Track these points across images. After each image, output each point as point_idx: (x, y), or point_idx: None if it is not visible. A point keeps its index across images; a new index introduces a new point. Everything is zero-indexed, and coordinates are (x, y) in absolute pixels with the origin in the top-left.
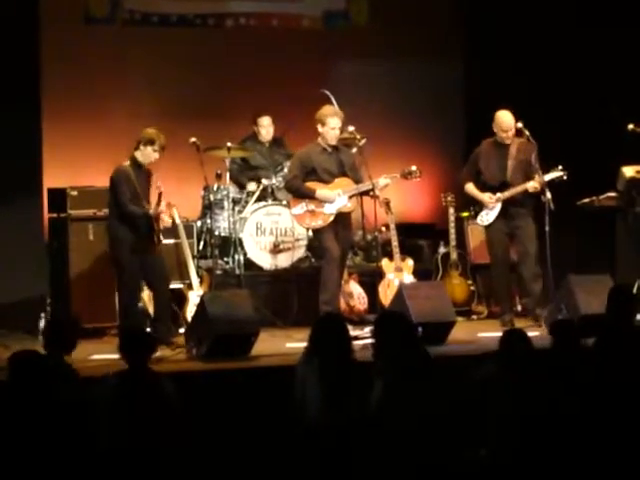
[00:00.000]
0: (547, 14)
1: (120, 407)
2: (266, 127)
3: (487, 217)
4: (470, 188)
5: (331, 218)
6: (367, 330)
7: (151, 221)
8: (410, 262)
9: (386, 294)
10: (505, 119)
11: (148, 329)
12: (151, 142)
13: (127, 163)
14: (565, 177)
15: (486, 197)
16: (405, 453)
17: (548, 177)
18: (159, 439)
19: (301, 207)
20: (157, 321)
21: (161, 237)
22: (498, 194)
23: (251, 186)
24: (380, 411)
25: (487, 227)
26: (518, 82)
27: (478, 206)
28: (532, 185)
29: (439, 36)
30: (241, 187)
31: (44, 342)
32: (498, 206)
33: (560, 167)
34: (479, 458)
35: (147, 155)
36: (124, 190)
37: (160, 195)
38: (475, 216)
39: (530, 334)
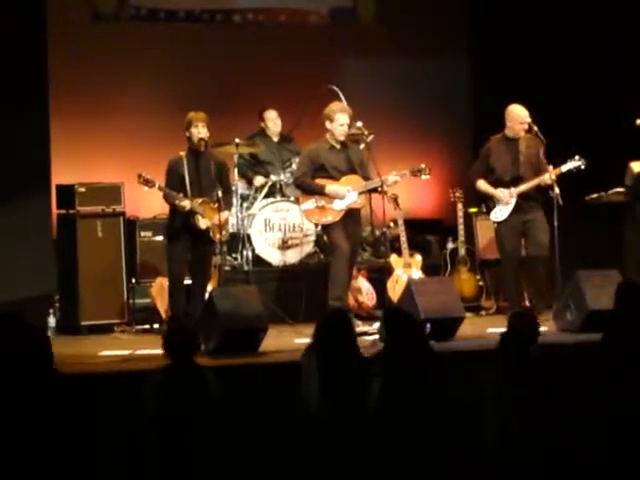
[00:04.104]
0: (553, 9)
1: (165, 402)
2: (273, 120)
3: (501, 213)
4: (482, 185)
5: (341, 214)
6: (376, 326)
7: (186, 212)
8: (418, 258)
9: (395, 290)
10: (520, 112)
11: (156, 325)
12: (189, 124)
13: (183, 153)
14: (583, 166)
15: (499, 192)
16: (403, 449)
17: (566, 167)
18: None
19: (311, 203)
20: (189, 315)
21: (210, 234)
22: (512, 189)
23: (258, 180)
24: (379, 407)
25: (500, 223)
26: (524, 78)
27: (491, 202)
28: (547, 177)
29: (446, 32)
30: (249, 182)
31: None
32: (513, 201)
33: (577, 157)
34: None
35: (194, 136)
36: (167, 179)
37: (205, 201)
38: (487, 212)
39: None
